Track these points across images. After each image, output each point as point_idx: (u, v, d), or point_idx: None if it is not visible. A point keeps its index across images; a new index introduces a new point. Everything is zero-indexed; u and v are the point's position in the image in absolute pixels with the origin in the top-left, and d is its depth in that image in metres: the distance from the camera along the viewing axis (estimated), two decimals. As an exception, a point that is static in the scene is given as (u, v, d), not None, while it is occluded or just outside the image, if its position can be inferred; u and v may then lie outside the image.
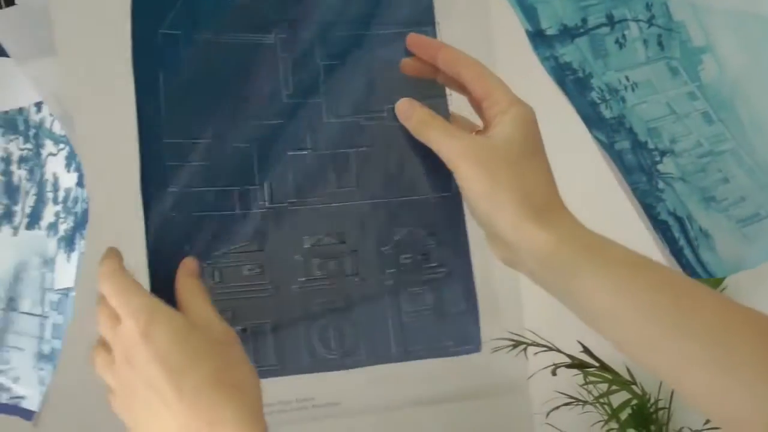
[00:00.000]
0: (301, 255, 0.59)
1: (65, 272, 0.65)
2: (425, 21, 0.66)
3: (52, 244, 0.65)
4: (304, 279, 0.58)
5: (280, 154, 0.60)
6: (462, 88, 0.62)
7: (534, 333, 1.26)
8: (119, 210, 0.60)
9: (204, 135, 0.59)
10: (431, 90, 0.64)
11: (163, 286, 0.55)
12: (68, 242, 0.64)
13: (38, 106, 0.67)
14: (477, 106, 0.62)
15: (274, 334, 0.57)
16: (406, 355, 0.59)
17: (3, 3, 0.63)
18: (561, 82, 0.69)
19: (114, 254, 0.55)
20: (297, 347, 0.57)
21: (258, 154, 0.60)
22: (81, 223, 0.62)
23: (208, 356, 0.50)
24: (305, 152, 0.61)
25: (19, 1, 0.63)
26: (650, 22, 0.72)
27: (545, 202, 0.56)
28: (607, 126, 0.69)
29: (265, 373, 0.56)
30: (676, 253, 0.68)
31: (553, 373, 1.24)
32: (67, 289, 0.64)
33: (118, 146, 0.60)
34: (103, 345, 0.53)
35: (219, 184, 0.58)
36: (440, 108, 0.63)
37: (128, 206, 0.61)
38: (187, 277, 0.55)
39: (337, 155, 0.61)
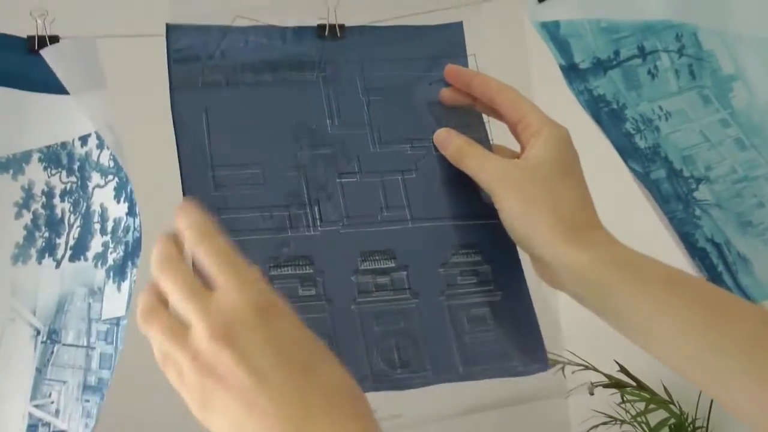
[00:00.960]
0: (356, 275, 0.60)
1: (115, 302, 0.64)
2: (457, 53, 0.69)
3: (99, 275, 0.65)
4: (361, 299, 0.59)
5: (329, 179, 0.62)
6: (498, 115, 0.65)
7: (572, 353, 1.27)
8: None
9: (253, 165, 0.61)
10: (469, 118, 0.66)
11: None
12: (118, 271, 0.64)
13: (83, 139, 0.67)
14: (513, 130, 0.63)
15: (334, 349, 0.58)
16: (474, 375, 0.60)
17: (48, 40, 0.64)
18: (596, 115, 0.71)
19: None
20: (360, 366, 0.57)
21: (306, 180, 0.61)
22: (133, 251, 0.63)
23: (328, 360, 0.44)
24: (354, 178, 0.63)
25: (68, 36, 0.66)
26: (681, 52, 0.74)
27: (580, 219, 0.57)
28: (642, 156, 0.71)
29: None
30: (716, 279, 0.69)
31: (590, 392, 1.25)
32: (117, 318, 0.64)
33: (166, 176, 0.63)
34: (164, 305, 0.44)
35: (270, 208, 0.60)
36: (479, 136, 0.66)
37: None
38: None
39: (385, 181, 0.63)
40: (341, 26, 0.66)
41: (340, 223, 0.61)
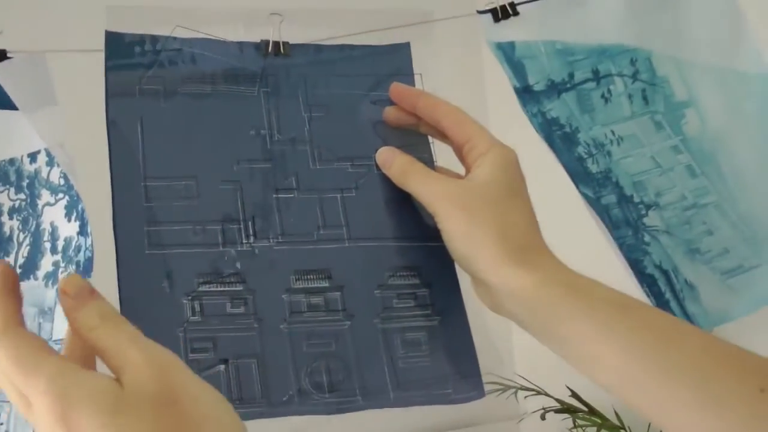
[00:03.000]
0: (289, 294, 0.58)
1: (66, 322, 0.64)
2: (404, 73, 0.68)
3: (50, 294, 0.65)
4: (291, 319, 0.57)
5: (266, 195, 0.60)
6: (443, 136, 0.63)
7: (523, 377, 1.26)
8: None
9: (187, 176, 0.59)
10: (414, 138, 0.65)
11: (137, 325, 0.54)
12: None
13: (32, 156, 0.67)
14: (458, 152, 0.62)
15: (260, 370, 0.55)
16: (405, 401, 0.58)
17: None
18: (549, 138, 0.70)
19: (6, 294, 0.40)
20: (286, 388, 0.56)
21: (242, 195, 0.60)
22: (85, 271, 0.62)
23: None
24: (291, 194, 0.61)
25: (16, 53, 0.64)
26: (635, 77, 0.74)
27: (526, 242, 0.56)
28: (593, 181, 0.71)
29: (250, 413, 0.54)
30: (663, 306, 0.69)
31: (542, 418, 1.24)
32: None
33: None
34: None
35: (202, 221, 0.58)
36: (424, 156, 0.64)
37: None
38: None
39: (324, 199, 0.62)
40: (285, 43, 0.65)
41: (274, 240, 0.59)
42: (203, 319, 0.56)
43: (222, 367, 0.55)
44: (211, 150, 0.60)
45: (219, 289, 0.57)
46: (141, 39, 0.61)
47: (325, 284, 0.59)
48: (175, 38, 0.62)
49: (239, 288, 0.57)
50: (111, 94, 0.59)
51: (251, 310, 0.57)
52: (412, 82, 0.67)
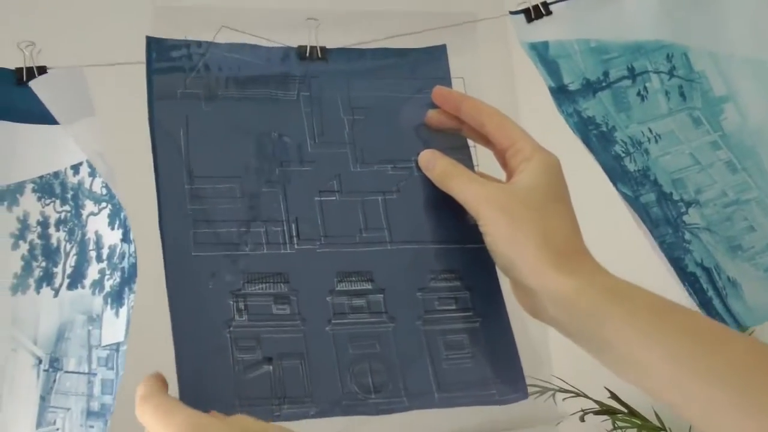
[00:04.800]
0: (332, 296, 0.58)
1: (113, 328, 0.64)
2: (441, 74, 0.68)
3: (97, 302, 0.66)
4: (336, 321, 0.58)
5: (308, 197, 0.61)
6: (485, 141, 0.63)
7: (562, 379, 1.25)
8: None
9: (230, 180, 0.59)
10: (455, 142, 0.65)
11: (185, 329, 0.54)
12: (116, 298, 0.64)
13: (75, 168, 0.68)
14: (501, 157, 0.62)
15: (306, 371, 0.56)
16: (450, 402, 0.58)
17: (36, 71, 0.64)
18: (585, 137, 0.70)
19: (154, 379, 0.51)
20: (332, 388, 0.56)
21: (285, 196, 0.60)
22: (129, 277, 0.63)
23: None
24: (333, 197, 0.61)
25: (55, 66, 0.65)
26: (671, 73, 0.73)
27: (567, 247, 0.56)
28: (631, 179, 0.70)
29: (298, 413, 0.54)
30: (705, 304, 0.68)
31: (582, 420, 1.23)
32: (117, 344, 0.64)
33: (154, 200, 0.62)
34: None
35: (246, 224, 0.58)
36: (464, 159, 0.64)
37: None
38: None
39: (365, 201, 0.62)
40: (323, 48, 0.66)
41: (317, 242, 0.60)
42: (249, 319, 0.56)
43: (269, 367, 0.55)
44: (253, 153, 0.61)
45: (263, 290, 0.57)
46: (181, 44, 0.62)
47: (368, 286, 0.59)
48: (213, 43, 0.62)
49: (284, 289, 0.58)
50: (155, 97, 0.60)
51: (296, 310, 0.57)
52: (449, 84, 0.67)
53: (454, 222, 0.62)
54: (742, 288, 0.69)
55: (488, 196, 0.57)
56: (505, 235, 0.56)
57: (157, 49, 0.61)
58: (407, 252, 0.61)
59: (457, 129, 0.65)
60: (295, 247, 0.59)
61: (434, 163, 0.62)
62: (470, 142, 0.66)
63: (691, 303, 0.68)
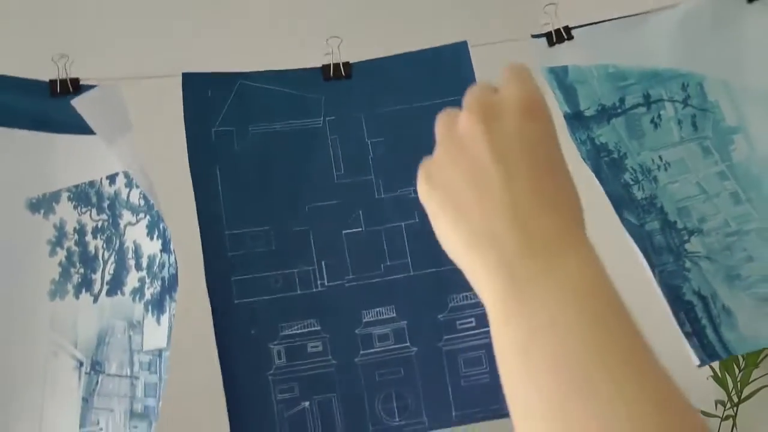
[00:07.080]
0: (360, 329, 0.63)
1: (155, 334, 0.67)
2: (464, 71, 0.71)
3: (138, 309, 0.68)
4: (364, 351, 0.63)
5: (336, 233, 0.65)
6: None
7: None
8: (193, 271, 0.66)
9: (264, 223, 0.64)
10: None
11: (232, 374, 0.60)
12: (157, 305, 0.67)
13: (111, 178, 0.70)
14: None
15: (339, 406, 0.61)
16: (466, 419, 0.63)
17: (69, 83, 0.67)
18: (596, 165, 0.72)
19: None
20: (362, 419, 0.61)
21: (314, 235, 0.65)
22: (170, 286, 0.65)
23: (566, 175, 0.39)
24: (358, 229, 0.66)
25: (88, 78, 0.68)
26: (685, 102, 0.75)
27: None
28: (638, 207, 0.73)
29: None
30: (698, 332, 0.71)
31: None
32: (159, 349, 0.67)
33: (192, 214, 0.66)
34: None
35: (280, 268, 0.63)
36: None
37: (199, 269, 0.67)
38: None
39: (389, 230, 0.66)
40: (345, 64, 0.68)
41: (345, 277, 0.64)
42: (287, 362, 0.62)
43: (306, 403, 0.61)
44: (283, 196, 0.65)
45: (299, 331, 0.63)
46: (214, 78, 0.66)
47: (392, 314, 0.64)
48: (243, 73, 0.66)
49: (317, 327, 0.63)
50: (191, 142, 0.64)
51: (328, 347, 0.63)
52: (473, 80, 0.70)
53: None
54: (735, 316, 0.72)
55: None
56: None
57: (192, 85, 0.64)
58: (428, 277, 0.66)
59: None
60: (326, 284, 0.64)
61: None
62: None
63: (676, 329, 0.71)
